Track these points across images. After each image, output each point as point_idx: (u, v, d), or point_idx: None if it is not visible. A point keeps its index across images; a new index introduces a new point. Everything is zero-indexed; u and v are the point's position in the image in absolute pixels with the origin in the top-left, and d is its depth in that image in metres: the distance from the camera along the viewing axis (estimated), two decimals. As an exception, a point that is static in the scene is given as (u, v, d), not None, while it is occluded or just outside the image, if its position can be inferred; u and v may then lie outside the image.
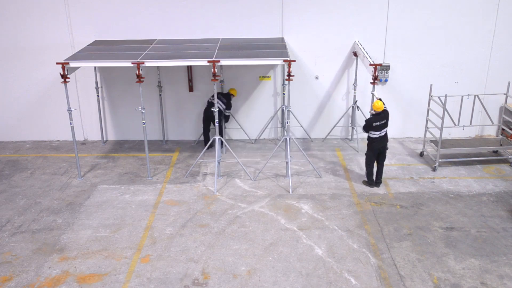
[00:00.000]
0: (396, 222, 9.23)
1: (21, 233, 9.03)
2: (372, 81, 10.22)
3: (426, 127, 11.87)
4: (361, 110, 12.48)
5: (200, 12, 12.14)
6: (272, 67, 12.61)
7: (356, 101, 12.46)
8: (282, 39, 12.18)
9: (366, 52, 11.23)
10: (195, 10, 12.13)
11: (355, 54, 12.22)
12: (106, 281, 7.70)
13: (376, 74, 10.12)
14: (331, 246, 8.50)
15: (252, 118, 13.15)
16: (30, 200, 10.23)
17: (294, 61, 10.15)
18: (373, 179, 10.55)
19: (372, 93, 10.45)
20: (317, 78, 12.75)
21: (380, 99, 10.19)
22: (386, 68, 12.53)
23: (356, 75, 12.41)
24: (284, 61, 10.11)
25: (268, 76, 12.67)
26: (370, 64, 10.29)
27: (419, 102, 12.87)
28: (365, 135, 10.64)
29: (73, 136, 10.82)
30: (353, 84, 12.46)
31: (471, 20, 12.21)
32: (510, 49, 12.50)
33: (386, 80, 12.67)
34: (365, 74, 12.12)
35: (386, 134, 10.30)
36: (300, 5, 12.06)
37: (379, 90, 12.74)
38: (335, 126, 12.93)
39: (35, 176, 11.29)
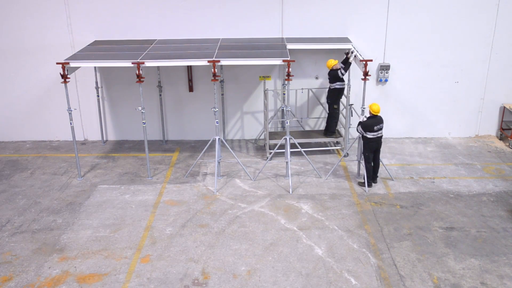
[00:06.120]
0: (396, 222, 9.23)
1: (21, 233, 9.03)
2: (363, 77, 10.17)
3: None
4: (355, 111, 11.95)
5: (200, 12, 12.14)
6: (273, 67, 12.60)
7: (352, 104, 11.83)
8: (282, 39, 12.18)
9: (356, 49, 11.24)
10: (195, 10, 12.13)
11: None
12: (106, 281, 7.70)
13: (367, 70, 10.10)
14: (331, 246, 8.50)
15: (252, 118, 13.15)
16: (30, 200, 10.23)
17: (294, 61, 10.14)
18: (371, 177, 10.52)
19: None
20: (317, 78, 12.74)
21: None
22: (386, 68, 12.52)
23: (349, 75, 12.04)
24: (284, 61, 10.10)
25: (268, 76, 12.66)
26: (361, 60, 10.28)
27: (419, 102, 12.86)
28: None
29: (73, 136, 10.82)
30: (347, 85, 12.18)
31: (471, 20, 12.20)
32: (510, 49, 12.50)
33: (386, 80, 12.66)
34: (359, 74, 11.82)
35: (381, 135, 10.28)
36: (300, 5, 12.05)
37: (379, 90, 12.76)
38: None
39: (35, 176, 11.29)
